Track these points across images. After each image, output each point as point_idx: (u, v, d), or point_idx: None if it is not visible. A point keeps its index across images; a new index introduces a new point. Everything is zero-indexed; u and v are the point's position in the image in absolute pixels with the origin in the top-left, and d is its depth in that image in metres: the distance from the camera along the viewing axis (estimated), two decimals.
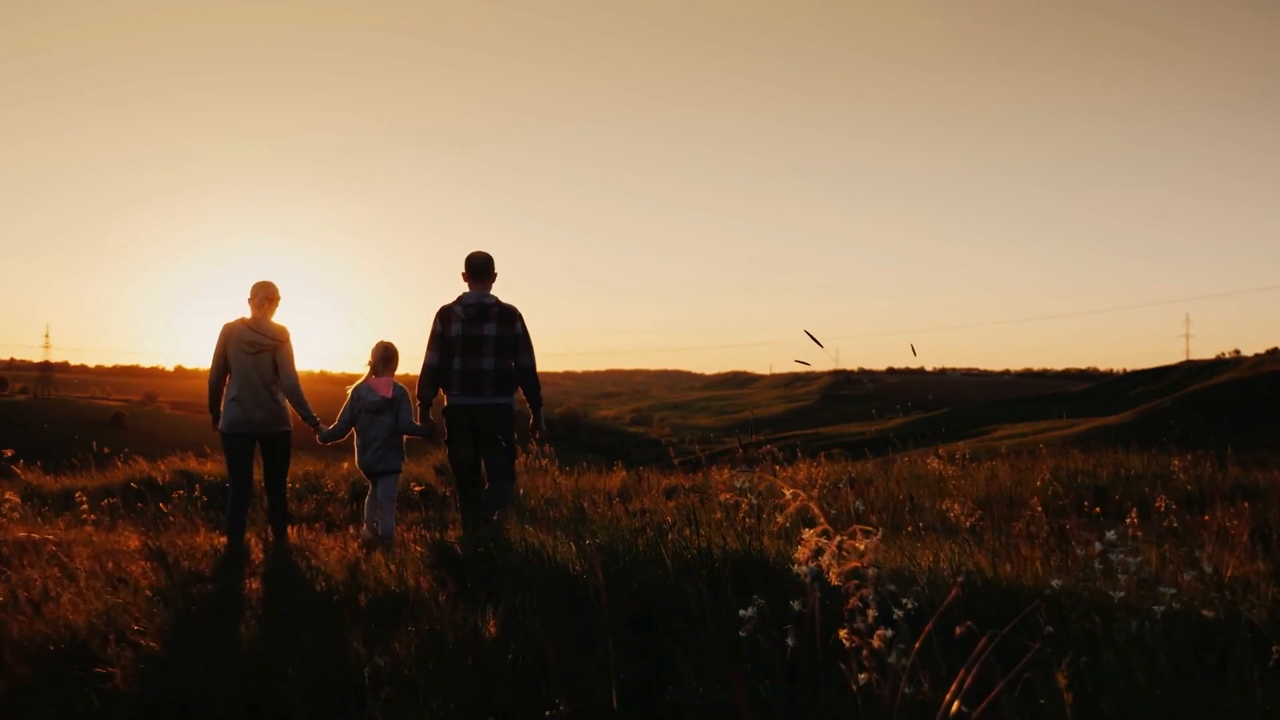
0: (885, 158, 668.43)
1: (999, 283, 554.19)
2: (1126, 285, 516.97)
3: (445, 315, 5.86)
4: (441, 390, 5.89)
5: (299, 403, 6.03)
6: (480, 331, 5.75)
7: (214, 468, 11.27)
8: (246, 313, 5.98)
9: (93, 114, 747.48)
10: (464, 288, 5.97)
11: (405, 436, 6.27)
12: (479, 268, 5.92)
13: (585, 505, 7.95)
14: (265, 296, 5.97)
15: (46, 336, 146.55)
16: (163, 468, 11.28)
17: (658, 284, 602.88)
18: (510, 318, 5.84)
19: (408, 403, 6.19)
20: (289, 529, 6.40)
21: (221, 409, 5.95)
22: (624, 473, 9.70)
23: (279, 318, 6.07)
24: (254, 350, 5.82)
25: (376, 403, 6.13)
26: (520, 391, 5.98)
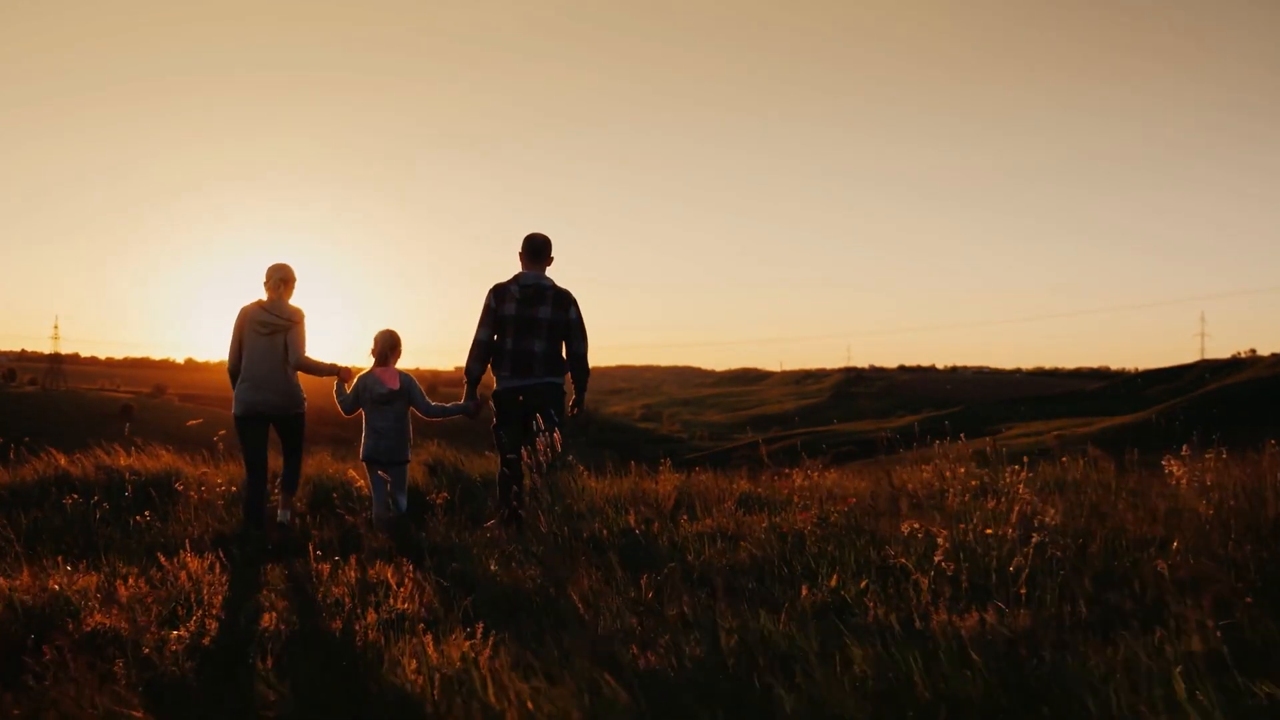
0: (900, 158, 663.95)
1: (1011, 281, 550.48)
2: (1141, 284, 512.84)
3: (500, 293, 5.68)
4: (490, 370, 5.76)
5: (314, 369, 5.96)
6: (535, 314, 5.62)
7: (150, 463, 8.96)
8: (263, 296, 5.92)
9: (105, 110, 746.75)
10: (518, 268, 5.77)
11: (413, 428, 6.15)
12: (537, 249, 5.76)
13: (634, 524, 5.58)
14: (281, 278, 5.88)
15: (55, 328, 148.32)
16: (86, 463, 8.92)
17: (667, 281, 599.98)
18: (565, 302, 5.69)
19: (419, 388, 6.05)
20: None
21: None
22: (676, 475, 7.29)
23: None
24: (268, 331, 5.75)
25: (384, 394, 5.93)
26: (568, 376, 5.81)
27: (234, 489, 6.97)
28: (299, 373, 5.98)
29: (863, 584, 3.29)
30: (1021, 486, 3.97)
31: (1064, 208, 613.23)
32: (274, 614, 3.39)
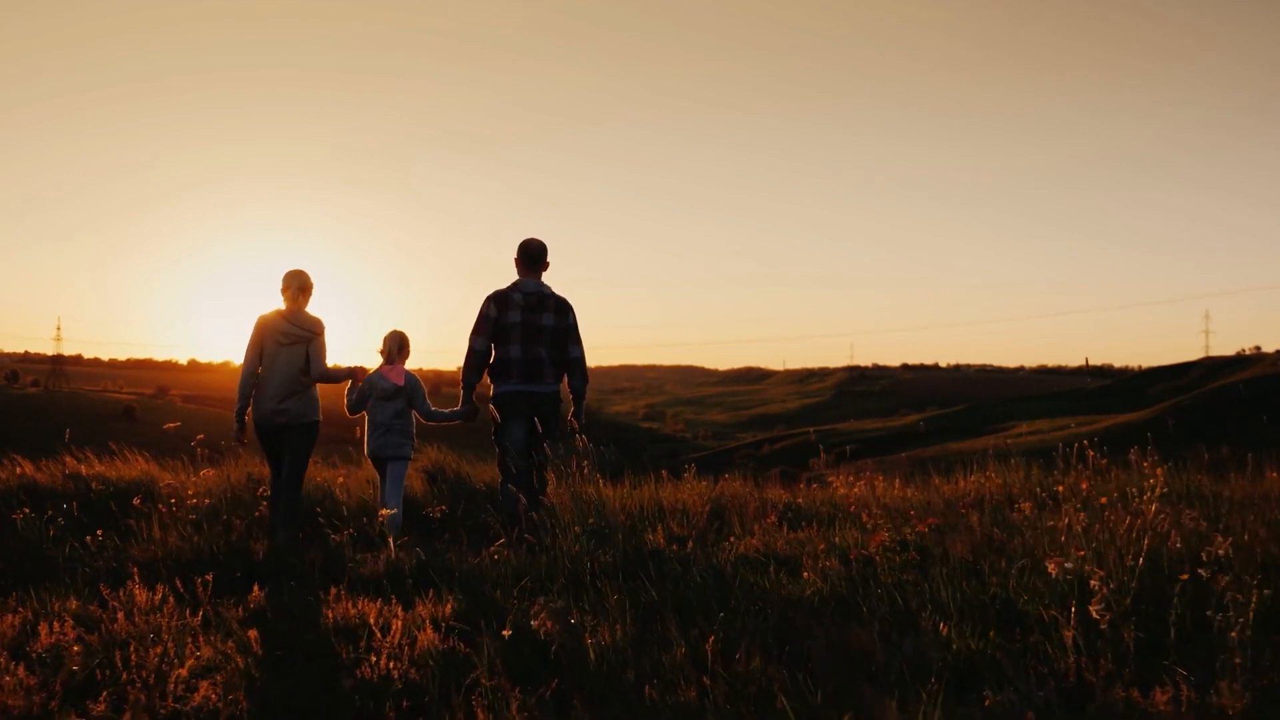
0: (905, 157, 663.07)
1: (1014, 279, 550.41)
2: (1145, 281, 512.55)
3: (502, 301, 5.66)
4: (487, 377, 5.75)
5: (335, 377, 5.91)
6: (539, 321, 5.65)
7: (125, 470, 8.20)
8: (279, 303, 5.84)
9: (106, 110, 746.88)
10: (513, 275, 5.77)
11: (417, 425, 6.09)
12: (533, 256, 5.76)
13: (663, 543, 4.80)
14: (300, 286, 5.81)
15: (58, 329, 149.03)
16: (53, 470, 8.15)
17: (669, 281, 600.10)
18: (564, 309, 5.75)
19: (422, 391, 6.07)
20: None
21: (251, 401, 5.81)
22: (704, 484, 6.51)
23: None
24: (289, 341, 5.70)
25: (388, 390, 5.95)
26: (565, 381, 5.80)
27: (209, 502, 6.21)
28: (319, 382, 5.86)
29: (990, 636, 2.54)
30: (1154, 506, 3.21)
31: (1066, 206, 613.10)
32: (219, 678, 2.63)
